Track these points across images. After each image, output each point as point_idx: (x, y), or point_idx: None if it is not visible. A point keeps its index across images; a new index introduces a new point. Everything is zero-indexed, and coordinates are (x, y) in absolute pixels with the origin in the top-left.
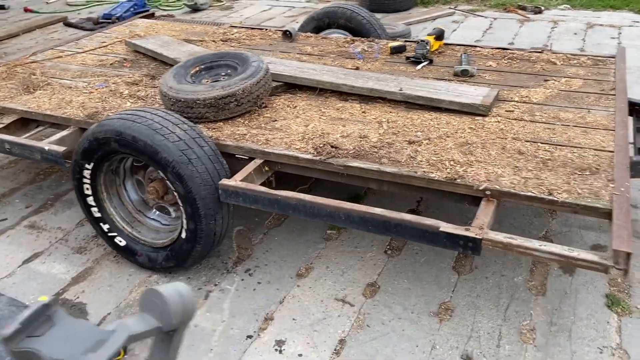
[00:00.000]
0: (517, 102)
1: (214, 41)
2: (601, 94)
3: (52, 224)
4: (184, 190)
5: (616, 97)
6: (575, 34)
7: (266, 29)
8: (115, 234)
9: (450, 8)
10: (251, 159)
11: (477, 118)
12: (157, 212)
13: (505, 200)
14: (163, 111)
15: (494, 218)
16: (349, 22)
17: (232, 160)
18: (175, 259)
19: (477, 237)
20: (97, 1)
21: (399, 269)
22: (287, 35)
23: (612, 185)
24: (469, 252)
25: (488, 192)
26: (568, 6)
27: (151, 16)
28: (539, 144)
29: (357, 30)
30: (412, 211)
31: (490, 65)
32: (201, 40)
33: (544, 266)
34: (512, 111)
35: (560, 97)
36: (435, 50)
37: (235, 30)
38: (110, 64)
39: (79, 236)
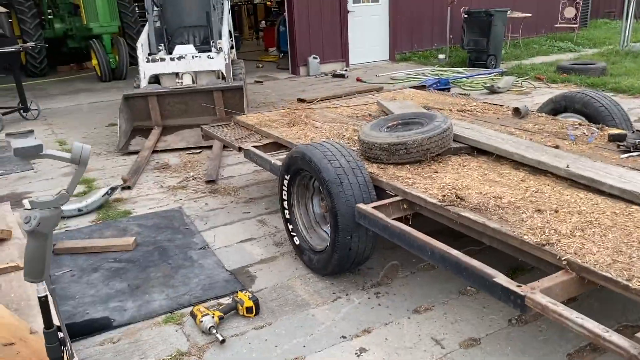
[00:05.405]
0: None
1: (450, 110)
2: None
3: (272, 222)
4: (331, 205)
5: None
6: None
7: (502, 106)
8: (295, 234)
9: None
10: (395, 195)
11: (633, 206)
12: (329, 225)
13: (584, 276)
14: (340, 145)
15: (566, 290)
16: (584, 108)
17: (384, 195)
18: (322, 263)
19: (521, 293)
20: (413, 78)
21: (512, 337)
22: (517, 112)
23: None
24: (518, 309)
25: (565, 262)
26: None
27: (422, 88)
28: None
29: (592, 116)
30: None
31: None
32: (440, 109)
33: None
34: None
35: None
36: None
37: (474, 104)
38: (357, 117)
39: (283, 236)
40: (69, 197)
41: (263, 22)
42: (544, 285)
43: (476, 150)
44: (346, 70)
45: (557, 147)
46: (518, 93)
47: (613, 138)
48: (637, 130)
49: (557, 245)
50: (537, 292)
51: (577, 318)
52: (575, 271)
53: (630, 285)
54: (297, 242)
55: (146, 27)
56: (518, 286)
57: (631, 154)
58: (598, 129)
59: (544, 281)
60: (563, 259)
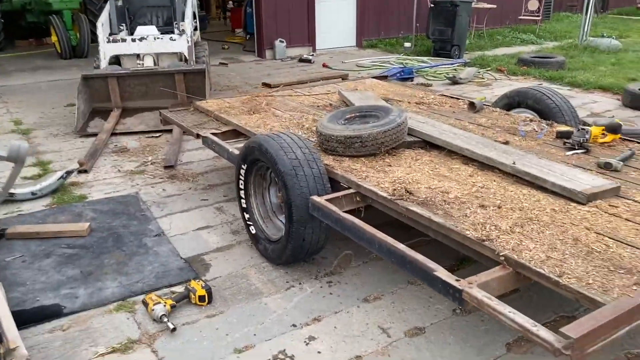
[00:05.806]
0: (634, 201)
1: (408, 102)
2: None
3: (230, 210)
4: (286, 196)
5: None
6: None
7: (459, 99)
8: (251, 223)
9: None
10: (349, 188)
11: (572, 204)
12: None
13: (520, 272)
14: (297, 137)
15: (502, 285)
16: (536, 104)
17: (339, 187)
18: (277, 252)
19: (459, 287)
20: (378, 66)
21: (455, 326)
22: (472, 106)
23: (634, 288)
24: (456, 302)
25: (502, 258)
26: None
27: (383, 78)
28: (607, 238)
29: (544, 112)
30: None
31: None
32: (399, 101)
33: None
34: (617, 207)
35: None
36: (606, 142)
37: (432, 96)
38: (318, 106)
39: (240, 224)
40: (5, 195)
41: (230, 2)
42: (482, 279)
43: (429, 144)
44: (313, 55)
45: (507, 142)
46: (479, 84)
47: (560, 135)
48: (582, 128)
49: (496, 241)
50: (474, 287)
51: (509, 313)
52: (511, 266)
53: (560, 281)
54: (253, 231)
55: (107, 6)
56: (457, 280)
57: (575, 151)
58: (548, 125)
59: (482, 276)
60: (501, 254)
